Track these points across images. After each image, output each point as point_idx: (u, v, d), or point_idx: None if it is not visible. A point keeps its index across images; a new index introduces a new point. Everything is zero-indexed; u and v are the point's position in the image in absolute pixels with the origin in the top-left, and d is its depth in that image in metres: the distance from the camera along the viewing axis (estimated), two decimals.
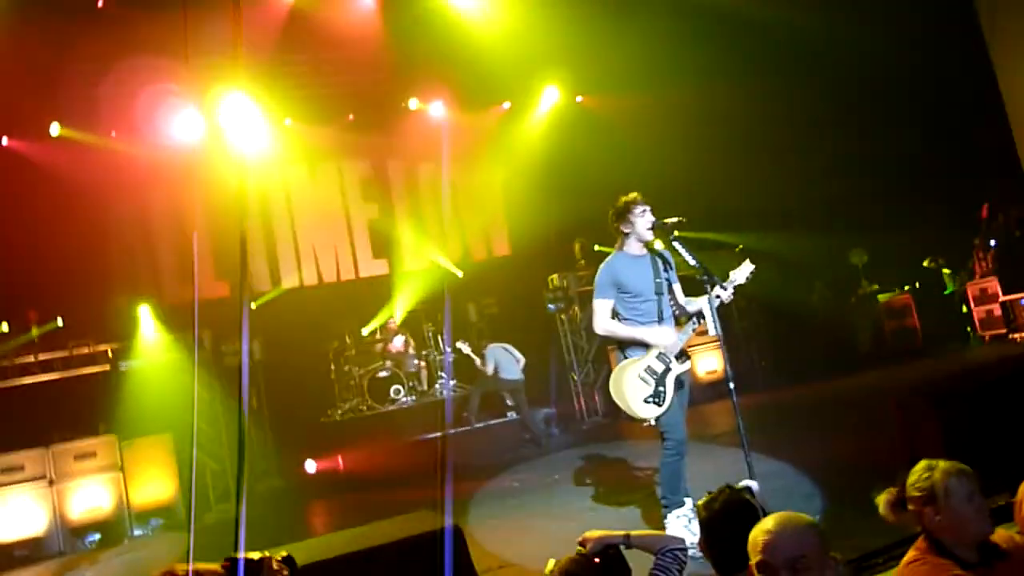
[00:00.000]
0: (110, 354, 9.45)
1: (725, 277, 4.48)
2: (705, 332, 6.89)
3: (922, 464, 2.53)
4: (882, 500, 2.61)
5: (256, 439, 10.24)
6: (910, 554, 2.52)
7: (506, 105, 13.23)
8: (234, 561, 2.21)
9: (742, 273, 4.49)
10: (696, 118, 11.95)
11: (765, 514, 2.36)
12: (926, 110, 10.89)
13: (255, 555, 2.25)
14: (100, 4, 9.38)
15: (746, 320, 11.91)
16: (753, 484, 2.73)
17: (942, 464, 2.52)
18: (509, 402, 10.50)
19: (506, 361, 10.08)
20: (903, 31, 10.29)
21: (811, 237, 11.58)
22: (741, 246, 11.00)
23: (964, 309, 11.07)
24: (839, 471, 5.60)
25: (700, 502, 2.54)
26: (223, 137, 11.31)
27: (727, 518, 2.40)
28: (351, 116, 12.32)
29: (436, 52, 11.51)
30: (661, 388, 4.34)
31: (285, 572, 2.25)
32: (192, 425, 9.49)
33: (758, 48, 11.25)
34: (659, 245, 4.71)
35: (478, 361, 10.18)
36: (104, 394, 9.13)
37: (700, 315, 4.47)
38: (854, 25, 10.37)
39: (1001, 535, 2.57)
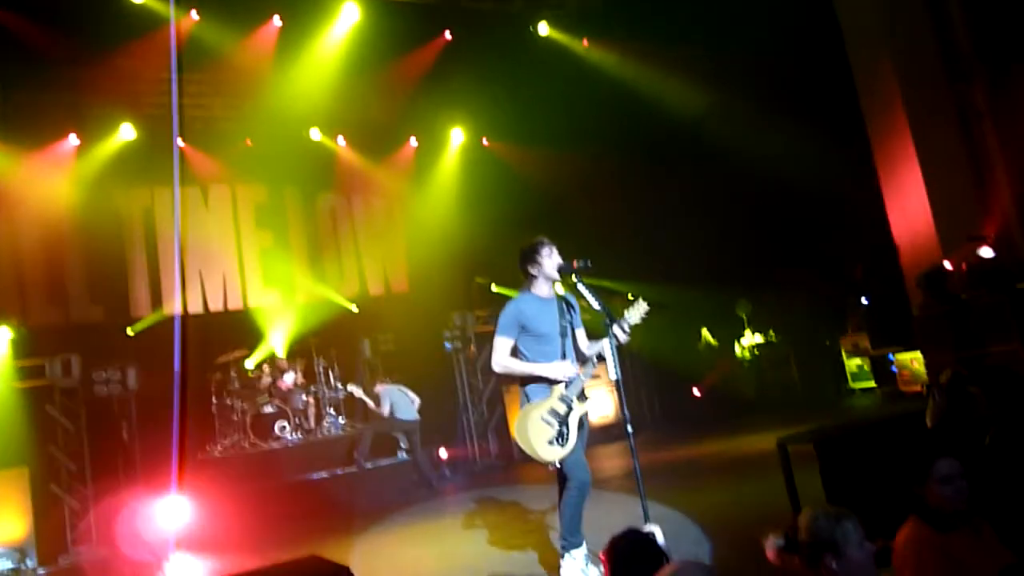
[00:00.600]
0: None
1: (620, 318, 4.54)
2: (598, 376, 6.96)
3: (812, 510, 2.59)
4: (769, 545, 2.64)
5: (125, 475, 9.52)
6: None
7: (413, 142, 13.21)
8: None
9: (636, 313, 4.57)
10: (592, 175, 12.36)
11: (668, 559, 2.35)
12: (807, 180, 11.57)
13: None
14: None
15: (636, 366, 12.19)
16: (656, 529, 2.73)
17: (833, 510, 2.58)
18: (402, 443, 10.25)
19: (401, 401, 9.86)
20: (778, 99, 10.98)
21: (698, 289, 12.03)
22: (630, 294, 11.29)
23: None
24: (726, 516, 5.73)
25: (608, 542, 2.50)
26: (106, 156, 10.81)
27: (633, 558, 2.38)
28: (248, 141, 11.95)
29: (340, 87, 11.43)
30: (564, 429, 4.34)
31: None
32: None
33: (650, 127, 11.85)
34: (561, 288, 4.75)
35: (370, 403, 9.91)
36: None
37: (599, 358, 4.51)
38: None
39: None
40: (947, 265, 9.11)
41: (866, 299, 11.44)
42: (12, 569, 7.86)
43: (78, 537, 8.78)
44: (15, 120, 10.13)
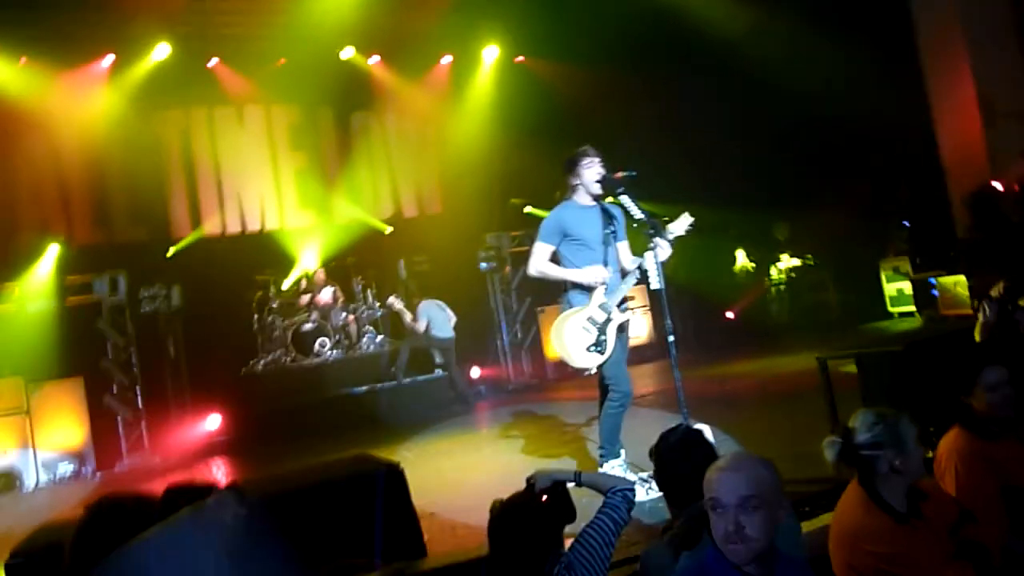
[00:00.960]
0: (16, 292, 8.90)
1: (664, 230, 4.52)
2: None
3: (870, 412, 2.58)
4: (827, 448, 2.62)
5: (173, 389, 9.86)
6: (849, 501, 2.57)
7: (447, 59, 12.98)
8: (177, 489, 2.09)
9: (681, 225, 4.57)
10: (631, 94, 12.06)
11: (716, 455, 2.39)
12: (853, 97, 11.16)
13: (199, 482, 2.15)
14: None
15: (669, 288, 12.14)
16: (706, 428, 2.78)
17: (890, 411, 2.58)
18: (438, 359, 10.42)
19: (439, 318, 9.95)
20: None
21: (735, 210, 11.85)
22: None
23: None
24: (767, 433, 5.78)
25: (659, 436, 2.56)
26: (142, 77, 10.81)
27: (683, 451, 2.42)
28: (282, 60, 11.84)
29: (373, 3, 11.19)
30: (603, 337, 4.37)
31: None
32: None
33: (689, 43, 11.45)
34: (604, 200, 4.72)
35: (408, 317, 10.01)
36: (9, 334, 8.60)
37: (642, 271, 4.50)
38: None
39: (923, 483, 2.69)
40: (997, 186, 8.83)
41: (908, 221, 11.20)
42: (72, 473, 8.28)
43: (131, 446, 9.19)
44: (51, 40, 10.12)
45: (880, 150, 11.53)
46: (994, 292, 4.12)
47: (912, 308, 10.87)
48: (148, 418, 9.41)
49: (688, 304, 12.21)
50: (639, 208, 4.37)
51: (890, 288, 11.38)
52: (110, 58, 10.85)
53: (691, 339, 12.18)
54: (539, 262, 4.56)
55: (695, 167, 11.92)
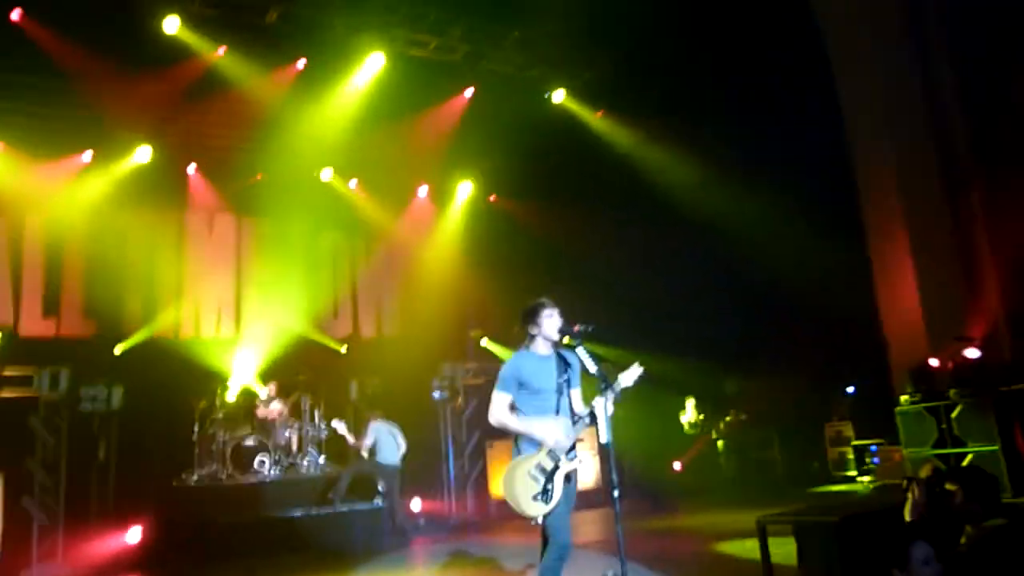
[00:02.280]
0: None
1: (614, 381, 4.62)
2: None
3: None
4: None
5: (98, 496, 9.41)
6: None
7: (423, 189, 13.47)
8: None
9: (630, 376, 4.64)
10: (594, 239, 12.58)
11: None
12: (802, 270, 11.74)
13: None
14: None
15: (620, 433, 12.18)
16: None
17: None
18: (381, 487, 10.06)
19: (387, 443, 9.66)
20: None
21: (688, 362, 12.12)
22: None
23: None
24: None
25: None
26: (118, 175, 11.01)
27: None
28: (260, 175, 12.16)
29: (357, 131, 11.73)
30: (549, 486, 4.37)
31: None
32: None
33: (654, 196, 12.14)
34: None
35: (351, 439, 9.80)
36: None
37: (591, 417, 4.56)
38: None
39: None
40: (933, 362, 9.26)
41: (852, 389, 11.57)
42: None
43: (43, 553, 8.63)
44: (34, 129, 10.32)
45: (827, 315, 12.00)
46: (923, 473, 4.28)
47: (854, 472, 11.04)
48: (66, 525, 8.88)
49: (638, 453, 12.22)
50: (593, 361, 4.50)
51: (832, 452, 11.59)
52: (89, 154, 11.03)
53: (638, 488, 12.12)
54: (500, 412, 4.58)
55: (654, 315, 12.27)
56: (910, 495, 4.13)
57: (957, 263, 9.99)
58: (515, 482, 4.40)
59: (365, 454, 9.66)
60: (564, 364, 4.68)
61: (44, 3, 9.37)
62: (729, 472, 12.69)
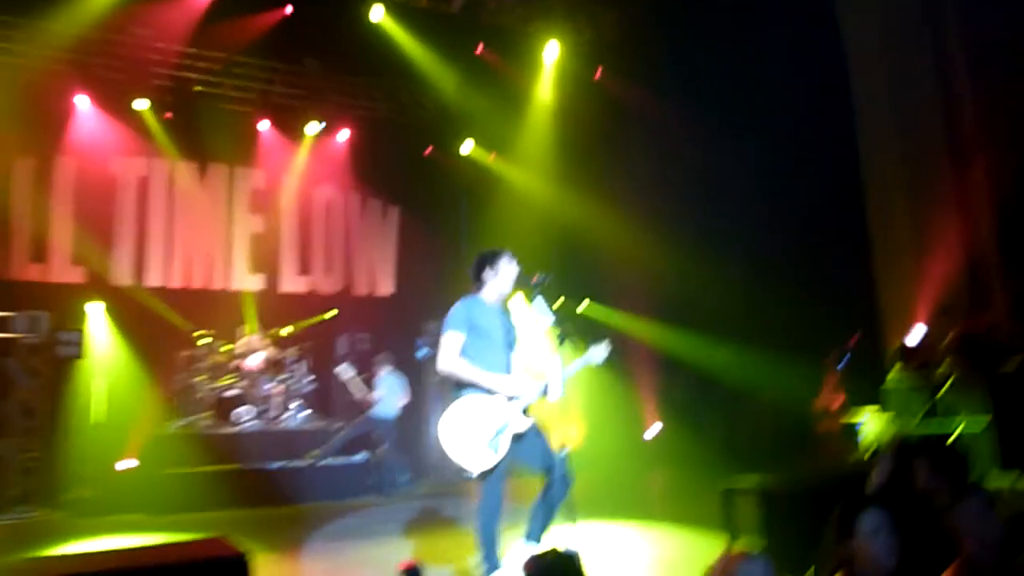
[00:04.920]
0: None
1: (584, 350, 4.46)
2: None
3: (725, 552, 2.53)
4: None
5: (77, 441, 9.42)
6: None
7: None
8: None
9: (599, 353, 4.44)
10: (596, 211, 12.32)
11: None
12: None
13: None
14: None
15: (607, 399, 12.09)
16: (576, 551, 2.65)
17: (738, 552, 2.51)
18: (376, 441, 9.83)
19: (391, 395, 9.53)
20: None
21: (682, 332, 11.95)
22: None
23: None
24: (659, 552, 5.64)
25: (529, 558, 2.46)
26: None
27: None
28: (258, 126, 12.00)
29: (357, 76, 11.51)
30: (498, 438, 4.19)
31: None
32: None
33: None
34: (521, 299, 4.70)
35: (360, 392, 9.65)
36: None
37: (545, 390, 4.36)
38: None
39: None
40: (923, 334, 9.08)
41: (844, 360, 11.34)
42: None
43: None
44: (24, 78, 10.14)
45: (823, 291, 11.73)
46: (887, 445, 4.11)
47: (838, 448, 10.87)
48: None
49: (623, 415, 12.12)
50: (551, 311, 4.33)
51: (820, 428, 11.41)
52: (82, 101, 10.85)
53: (623, 452, 12.04)
54: (452, 356, 4.28)
55: (644, 280, 12.06)
56: (874, 467, 3.96)
57: (956, 236, 9.73)
58: (459, 425, 4.18)
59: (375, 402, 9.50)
60: (509, 320, 4.52)
61: None
62: (717, 440, 12.53)
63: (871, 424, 9.87)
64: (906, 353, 8.95)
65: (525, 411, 4.35)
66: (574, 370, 4.36)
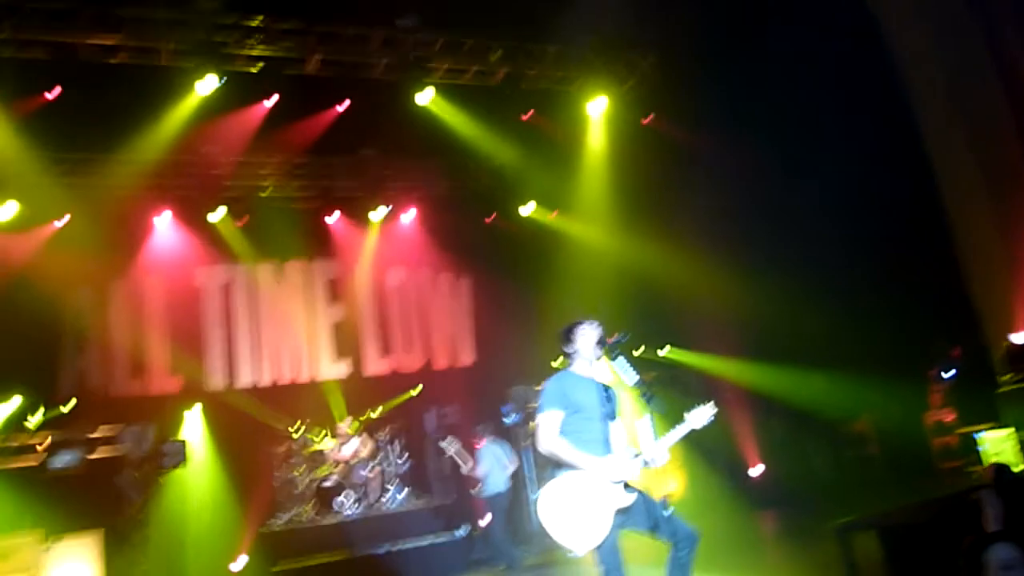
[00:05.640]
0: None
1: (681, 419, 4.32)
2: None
3: None
4: None
5: (189, 548, 9.70)
6: None
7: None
8: None
9: (701, 417, 4.23)
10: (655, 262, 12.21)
11: None
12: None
13: None
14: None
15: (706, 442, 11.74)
16: None
17: None
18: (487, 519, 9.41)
19: (496, 469, 8.95)
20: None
21: (772, 367, 11.61)
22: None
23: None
24: None
25: None
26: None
27: None
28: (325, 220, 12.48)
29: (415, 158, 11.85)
30: (600, 516, 4.08)
31: None
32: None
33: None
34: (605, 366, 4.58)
35: (467, 464, 9.41)
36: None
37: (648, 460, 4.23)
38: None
39: None
40: None
41: (951, 373, 10.76)
42: None
43: None
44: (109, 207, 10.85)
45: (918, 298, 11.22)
46: (986, 477, 3.85)
47: (960, 463, 10.23)
48: None
49: (724, 460, 11.75)
50: (635, 370, 4.25)
51: (936, 442, 10.79)
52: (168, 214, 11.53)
53: (727, 496, 11.63)
54: (552, 435, 4.12)
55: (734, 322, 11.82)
56: (985, 509, 3.67)
57: None
58: (559, 503, 4.09)
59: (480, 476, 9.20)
60: (607, 394, 4.41)
61: None
62: (825, 472, 11.99)
63: (992, 438, 9.28)
64: (1015, 355, 8.43)
65: (628, 487, 4.19)
66: (677, 437, 4.22)
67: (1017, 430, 8.41)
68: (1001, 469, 3.82)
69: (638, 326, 4.44)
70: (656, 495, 4.25)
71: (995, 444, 9.30)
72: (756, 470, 12.10)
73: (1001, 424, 9.01)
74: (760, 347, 11.70)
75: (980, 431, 9.72)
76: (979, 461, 9.47)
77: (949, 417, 10.60)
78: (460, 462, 9.48)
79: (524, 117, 11.90)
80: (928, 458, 10.78)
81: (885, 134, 10.27)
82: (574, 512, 4.04)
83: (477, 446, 9.31)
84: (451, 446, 9.45)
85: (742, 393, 12.00)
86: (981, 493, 3.64)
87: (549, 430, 4.18)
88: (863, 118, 10.29)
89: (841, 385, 11.67)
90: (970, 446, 9.88)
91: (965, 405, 10.15)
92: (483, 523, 9.75)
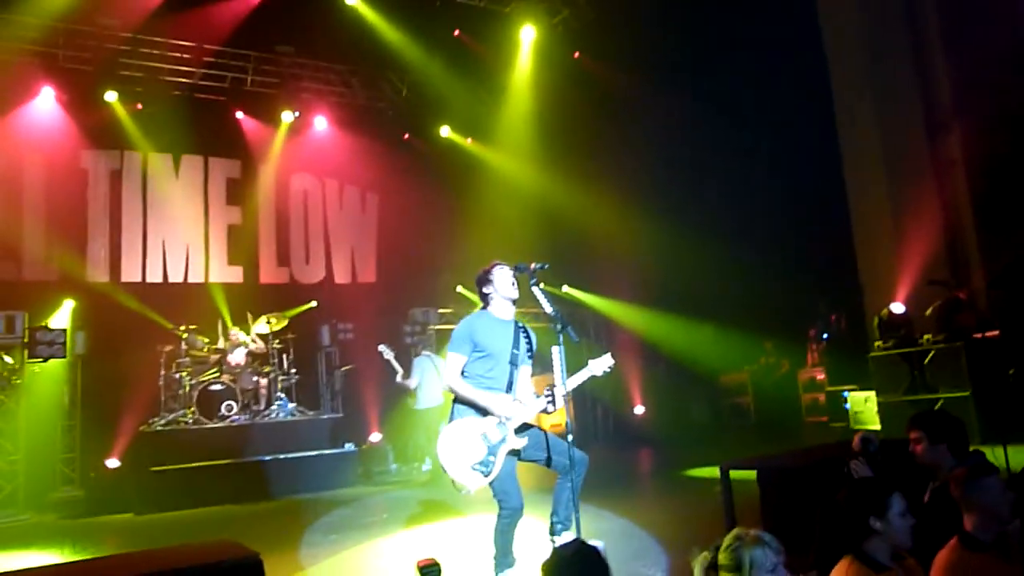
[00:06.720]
0: None
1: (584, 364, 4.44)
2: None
3: (733, 533, 2.53)
4: (697, 564, 2.58)
5: (62, 442, 9.26)
6: None
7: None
8: None
9: (600, 365, 4.43)
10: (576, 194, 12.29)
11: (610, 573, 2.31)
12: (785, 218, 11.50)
13: None
14: None
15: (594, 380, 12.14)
16: (600, 544, 2.66)
17: (751, 534, 2.52)
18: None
19: (431, 383, 9.06)
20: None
21: (664, 315, 12.04)
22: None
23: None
24: (665, 534, 5.67)
25: (551, 552, 2.44)
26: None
27: (577, 569, 2.31)
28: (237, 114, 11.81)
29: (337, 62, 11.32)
30: (491, 457, 4.14)
31: None
32: None
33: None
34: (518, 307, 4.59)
35: (400, 374, 9.37)
36: None
37: (551, 401, 4.33)
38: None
39: None
40: (903, 308, 9.20)
41: (826, 335, 11.52)
42: None
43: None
44: None
45: (808, 264, 11.84)
46: (854, 443, 4.14)
47: (824, 418, 11.07)
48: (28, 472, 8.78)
49: (609, 398, 12.22)
50: (549, 302, 4.28)
51: (806, 398, 11.60)
52: (48, 94, 10.58)
53: (610, 432, 12.16)
54: (453, 375, 4.28)
55: (636, 268, 12.09)
56: (854, 474, 3.95)
57: (935, 209, 9.87)
58: (454, 446, 4.16)
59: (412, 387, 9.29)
60: (523, 337, 4.44)
61: None
62: (702, 418, 12.70)
63: (855, 398, 10.03)
64: (888, 324, 9.07)
65: (521, 429, 4.27)
66: (575, 383, 4.33)
67: (879, 393, 9.09)
68: (866, 440, 4.11)
69: (543, 261, 4.39)
70: (548, 427, 4.41)
71: (857, 404, 10.09)
72: (638, 409, 12.67)
73: (866, 387, 9.76)
74: (655, 295, 12.11)
75: (846, 391, 10.52)
76: (844, 418, 10.26)
77: (820, 376, 11.39)
78: (396, 368, 9.38)
79: (456, 33, 11.53)
80: (797, 412, 11.59)
81: (804, 103, 10.62)
82: (466, 453, 4.13)
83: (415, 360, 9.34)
84: (387, 351, 9.33)
85: (634, 337, 12.45)
86: (853, 464, 3.92)
87: (452, 370, 4.31)
88: (785, 84, 10.59)
89: (726, 337, 12.30)
90: (836, 404, 10.69)
91: (838, 367, 10.90)
92: (372, 439, 9.85)
